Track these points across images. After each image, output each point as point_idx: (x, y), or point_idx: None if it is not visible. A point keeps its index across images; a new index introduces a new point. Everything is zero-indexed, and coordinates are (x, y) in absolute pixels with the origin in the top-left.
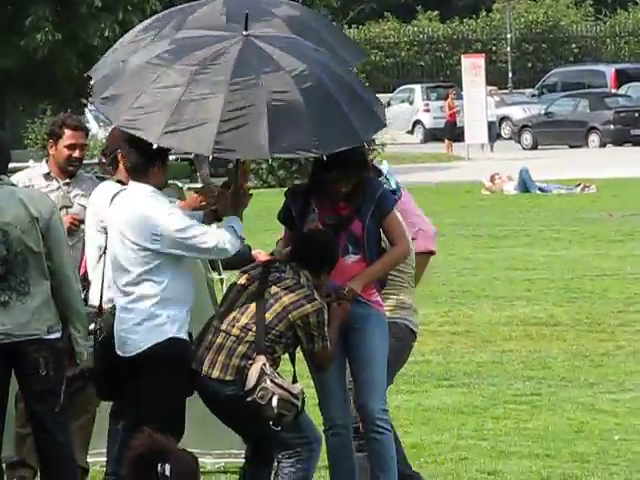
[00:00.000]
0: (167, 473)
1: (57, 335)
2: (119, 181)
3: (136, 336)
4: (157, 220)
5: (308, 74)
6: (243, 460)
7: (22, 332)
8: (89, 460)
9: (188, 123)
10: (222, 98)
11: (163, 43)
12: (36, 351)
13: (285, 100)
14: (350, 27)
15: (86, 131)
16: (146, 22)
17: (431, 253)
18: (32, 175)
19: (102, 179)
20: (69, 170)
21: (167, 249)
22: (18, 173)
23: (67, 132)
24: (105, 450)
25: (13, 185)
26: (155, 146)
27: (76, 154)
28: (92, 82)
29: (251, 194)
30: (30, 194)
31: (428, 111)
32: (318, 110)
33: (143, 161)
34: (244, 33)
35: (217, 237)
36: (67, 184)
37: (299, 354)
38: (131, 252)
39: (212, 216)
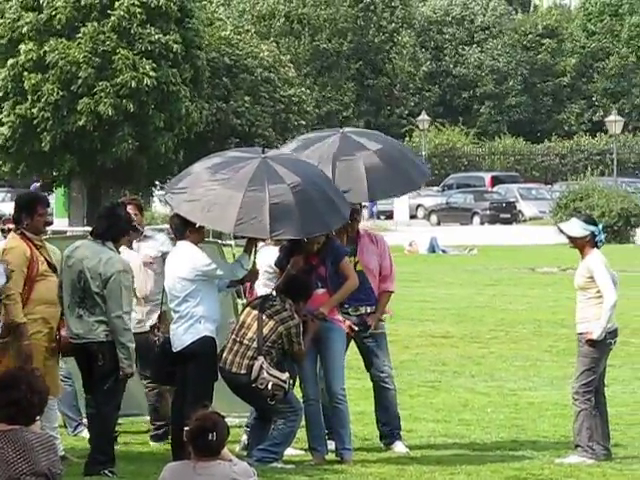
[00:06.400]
0: (214, 439)
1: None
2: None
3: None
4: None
5: (301, 186)
6: (253, 419)
7: (87, 336)
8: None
9: (215, 212)
10: (240, 199)
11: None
12: (97, 349)
13: (282, 203)
14: None
15: (138, 205)
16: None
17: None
18: None
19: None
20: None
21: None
22: None
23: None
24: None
25: (111, 250)
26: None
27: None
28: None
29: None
30: (108, 259)
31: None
32: (303, 210)
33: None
34: (262, 155)
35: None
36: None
37: None
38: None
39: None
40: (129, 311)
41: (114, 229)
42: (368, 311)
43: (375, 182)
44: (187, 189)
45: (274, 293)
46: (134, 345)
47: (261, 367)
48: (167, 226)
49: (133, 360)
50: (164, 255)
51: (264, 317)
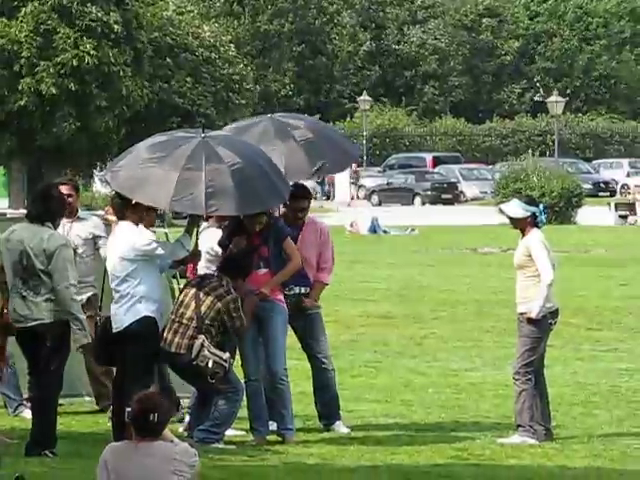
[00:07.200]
0: (156, 420)
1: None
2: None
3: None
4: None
5: (239, 165)
6: (194, 400)
7: (33, 317)
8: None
9: (151, 189)
10: (176, 176)
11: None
12: (45, 331)
13: (219, 180)
14: None
15: (74, 185)
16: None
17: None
18: None
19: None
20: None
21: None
22: None
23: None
24: None
25: (50, 228)
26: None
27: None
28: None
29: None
30: (50, 235)
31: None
32: (240, 188)
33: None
34: (202, 135)
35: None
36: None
37: None
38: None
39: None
40: (75, 284)
41: (50, 211)
42: (302, 291)
43: (337, 154)
44: (125, 167)
45: (215, 273)
46: (84, 316)
47: (202, 345)
48: (102, 212)
49: (87, 330)
50: (95, 238)
51: (201, 295)
